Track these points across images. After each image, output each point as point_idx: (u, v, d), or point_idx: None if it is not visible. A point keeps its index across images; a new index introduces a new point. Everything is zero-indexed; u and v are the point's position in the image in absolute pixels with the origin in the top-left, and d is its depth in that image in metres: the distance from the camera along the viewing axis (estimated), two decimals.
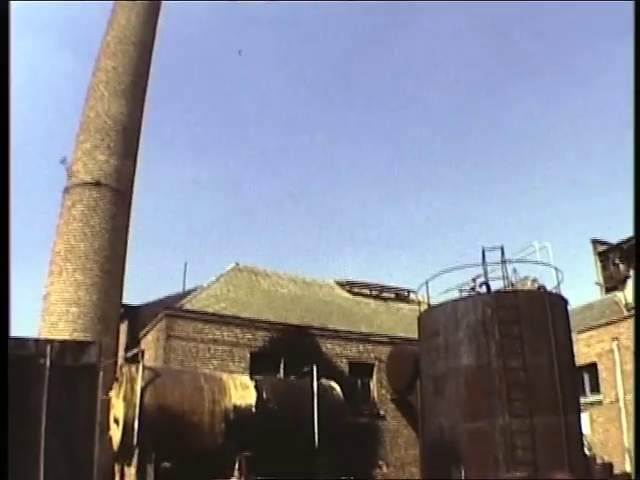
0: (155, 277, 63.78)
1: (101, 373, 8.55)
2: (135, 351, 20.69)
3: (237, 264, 28.44)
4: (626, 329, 27.54)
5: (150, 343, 22.73)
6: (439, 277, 20.31)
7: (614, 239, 42.61)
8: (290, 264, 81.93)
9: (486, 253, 19.33)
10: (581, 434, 19.73)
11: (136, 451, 16.72)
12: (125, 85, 23.61)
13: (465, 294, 20.37)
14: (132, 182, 23.38)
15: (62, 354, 8.70)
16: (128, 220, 22.89)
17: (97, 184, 21.81)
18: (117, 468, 18.19)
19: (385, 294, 32.05)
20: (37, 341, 9.58)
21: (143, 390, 17.27)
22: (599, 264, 43.13)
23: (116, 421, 17.54)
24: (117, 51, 24.11)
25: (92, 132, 22.68)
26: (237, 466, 17.35)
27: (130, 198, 23.14)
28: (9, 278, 8.78)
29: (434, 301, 20.90)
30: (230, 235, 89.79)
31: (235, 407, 18.58)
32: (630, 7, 8.96)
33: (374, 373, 25.98)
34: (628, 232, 41.00)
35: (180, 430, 17.24)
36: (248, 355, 22.89)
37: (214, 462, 17.01)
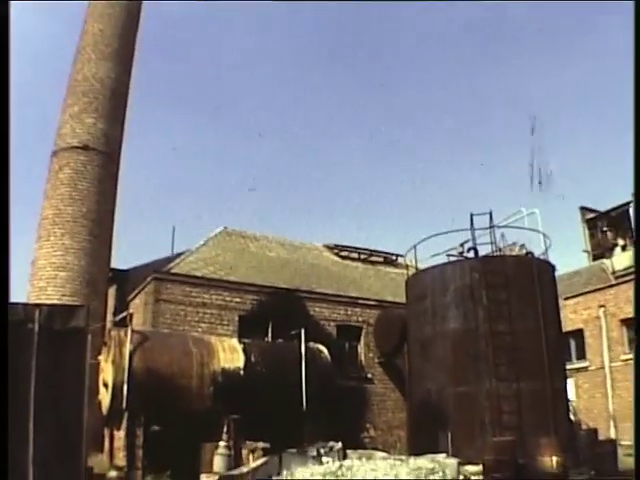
0: (144, 241, 63.56)
1: (89, 337, 8.55)
2: (123, 315, 20.73)
3: (225, 228, 28.36)
4: (613, 296, 27.71)
5: (138, 307, 22.73)
6: (427, 242, 20.37)
7: (602, 207, 42.75)
8: (279, 228, 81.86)
9: (474, 218, 19.35)
10: (566, 400, 19.95)
11: (125, 415, 16.83)
12: (112, 48, 23.38)
13: (453, 259, 20.44)
14: (120, 146, 23.25)
15: (50, 318, 8.68)
16: (116, 184, 22.78)
17: (85, 148, 21.67)
18: (106, 432, 18.28)
19: (373, 258, 32.05)
20: (25, 306, 9.56)
21: (132, 354, 17.34)
22: (587, 231, 43.28)
23: (105, 385, 17.63)
24: (104, 14, 23.82)
25: (79, 95, 22.49)
26: (225, 429, 17.46)
27: (118, 162, 23.02)
28: (9, 243, 8.78)
29: (422, 265, 20.91)
30: (219, 199, 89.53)
31: (223, 370, 18.69)
32: (630, 7, 8.91)
33: (362, 336, 26.04)
34: (617, 200, 41.33)
35: (169, 393, 17.33)
36: (236, 318, 22.89)
37: (203, 425, 17.10)
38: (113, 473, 15.24)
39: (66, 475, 7.26)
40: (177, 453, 15.31)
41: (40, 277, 20.13)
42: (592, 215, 43.25)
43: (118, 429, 17.33)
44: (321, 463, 15.45)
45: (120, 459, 16.83)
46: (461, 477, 14.56)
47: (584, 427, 21.69)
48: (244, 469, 16.41)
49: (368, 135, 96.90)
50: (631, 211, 40.27)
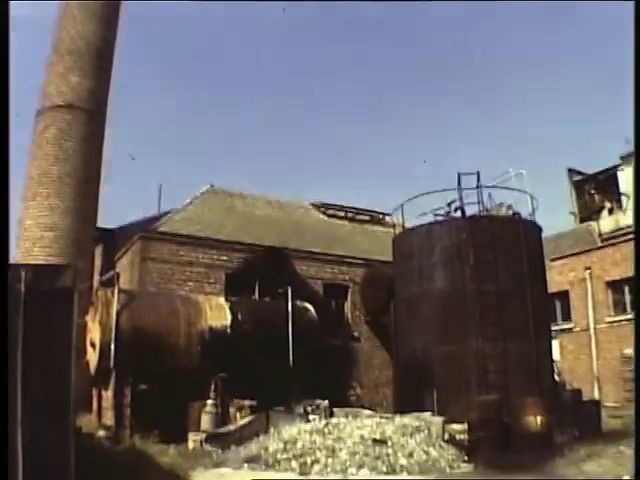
0: (130, 200, 63.33)
1: (76, 297, 8.51)
2: (110, 274, 20.70)
3: (212, 186, 28.23)
4: (599, 259, 27.88)
5: (125, 266, 22.69)
6: (415, 201, 20.32)
7: (590, 170, 42.85)
8: (266, 187, 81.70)
9: (462, 178, 19.30)
10: (551, 360, 20.10)
11: (113, 374, 16.90)
12: (97, 7, 22.94)
13: (440, 218, 20.41)
14: (106, 105, 22.98)
15: (37, 278, 8.61)
16: (102, 143, 22.56)
17: (70, 106, 21.42)
18: (94, 392, 18.35)
19: (360, 217, 32.07)
20: (12, 266, 9.49)
21: (119, 313, 17.37)
22: (574, 194, 43.41)
23: (92, 345, 17.66)
24: None
25: (64, 54, 22.16)
26: (213, 387, 17.60)
27: (104, 121, 22.77)
28: (8, 205, 8.70)
29: (409, 225, 20.88)
30: (206, 158, 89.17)
31: (211, 329, 18.77)
32: (630, 7, 8.81)
33: (348, 295, 26.10)
34: (604, 163, 41.47)
35: (156, 352, 17.39)
36: (223, 277, 22.86)
37: (190, 383, 17.20)
38: (101, 432, 15.31)
39: (54, 436, 7.27)
40: (165, 412, 15.38)
41: (26, 238, 20.02)
42: (580, 178, 43.41)
43: (106, 389, 17.40)
44: (308, 421, 15.61)
45: (108, 418, 16.94)
46: (446, 435, 14.70)
47: (568, 388, 21.86)
48: (231, 427, 16.59)
49: (357, 94, 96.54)
50: (619, 174, 40.51)
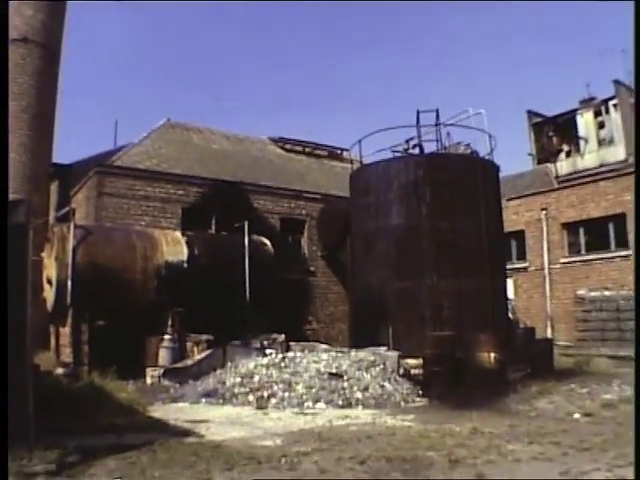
0: (86, 135, 62.41)
1: (31, 233, 8.42)
2: (66, 210, 20.48)
3: (169, 120, 27.80)
4: (555, 200, 28.18)
5: (81, 202, 22.43)
6: (373, 137, 20.24)
7: (550, 112, 43.20)
8: (224, 122, 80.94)
9: (421, 115, 19.23)
10: (505, 298, 20.48)
11: (70, 311, 16.84)
12: None
13: (398, 155, 20.40)
14: (61, 39, 22.47)
15: None
16: (57, 78, 22.11)
17: (24, 40, 20.92)
18: (52, 329, 18.32)
19: (318, 152, 31.98)
20: None
21: (75, 249, 17.25)
22: (533, 136, 43.78)
23: (49, 282, 17.57)
24: None
25: None
26: (170, 322, 17.64)
27: (59, 55, 22.30)
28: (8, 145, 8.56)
29: (367, 160, 20.78)
30: (163, 92, 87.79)
31: (167, 263, 18.76)
32: (630, 7, 8.73)
33: (305, 230, 26.20)
34: (564, 106, 41.90)
35: (113, 288, 17.35)
36: (180, 211, 22.73)
37: (147, 319, 17.26)
38: (60, 370, 15.35)
39: (12, 374, 7.27)
40: (123, 348, 15.42)
41: None
42: (539, 120, 43.75)
43: (64, 326, 17.37)
44: (264, 355, 15.73)
45: (66, 355, 16.95)
46: (401, 370, 14.95)
47: (522, 326, 22.30)
48: (189, 362, 16.69)
49: (318, 27, 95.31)
50: (578, 119, 41.01)
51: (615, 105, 39.62)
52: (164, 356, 17.03)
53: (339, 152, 32.04)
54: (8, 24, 7.48)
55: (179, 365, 16.59)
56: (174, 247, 19.22)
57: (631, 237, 23.89)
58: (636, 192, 20.12)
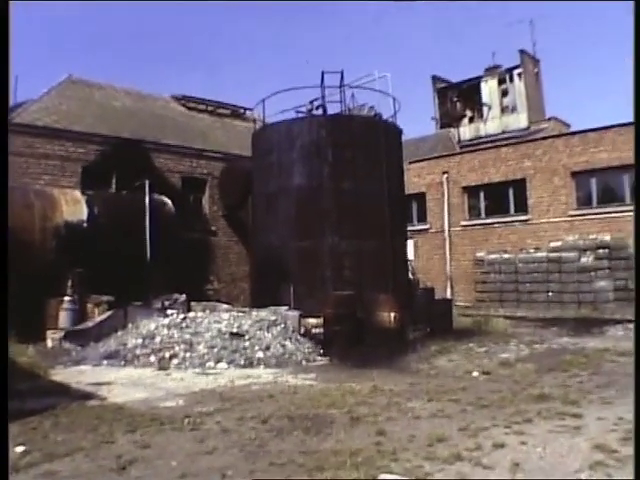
0: None
1: None
2: None
3: (70, 76, 26.91)
4: (456, 164, 28.83)
5: None
6: (277, 97, 20.19)
7: (454, 78, 43.94)
8: (127, 79, 79.03)
9: (325, 77, 19.25)
10: (406, 259, 20.89)
11: None
12: None
13: (302, 116, 20.43)
14: None
15: None
16: None
17: None
18: None
19: (221, 110, 31.74)
20: None
21: None
22: (437, 100, 44.51)
23: None
24: None
25: None
26: (70, 283, 17.35)
27: None
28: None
29: (270, 120, 20.75)
30: (64, 49, 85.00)
31: (66, 223, 18.42)
32: (630, 7, 8.85)
33: (207, 189, 26.16)
34: (468, 73, 42.79)
35: (10, 249, 16.85)
36: (80, 170, 22.28)
37: (46, 280, 16.95)
38: None
39: None
40: (22, 310, 15.08)
41: None
42: (443, 85, 44.48)
43: None
44: (166, 315, 15.66)
45: None
46: (302, 329, 15.16)
47: (422, 286, 22.75)
48: (89, 323, 16.49)
49: None
50: (482, 85, 41.94)
51: (520, 74, 40.70)
52: (64, 318, 16.78)
53: (242, 111, 31.91)
54: (8, 24, 7.20)
55: (80, 327, 16.35)
56: (73, 207, 18.86)
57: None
58: (636, 186, 20.85)
